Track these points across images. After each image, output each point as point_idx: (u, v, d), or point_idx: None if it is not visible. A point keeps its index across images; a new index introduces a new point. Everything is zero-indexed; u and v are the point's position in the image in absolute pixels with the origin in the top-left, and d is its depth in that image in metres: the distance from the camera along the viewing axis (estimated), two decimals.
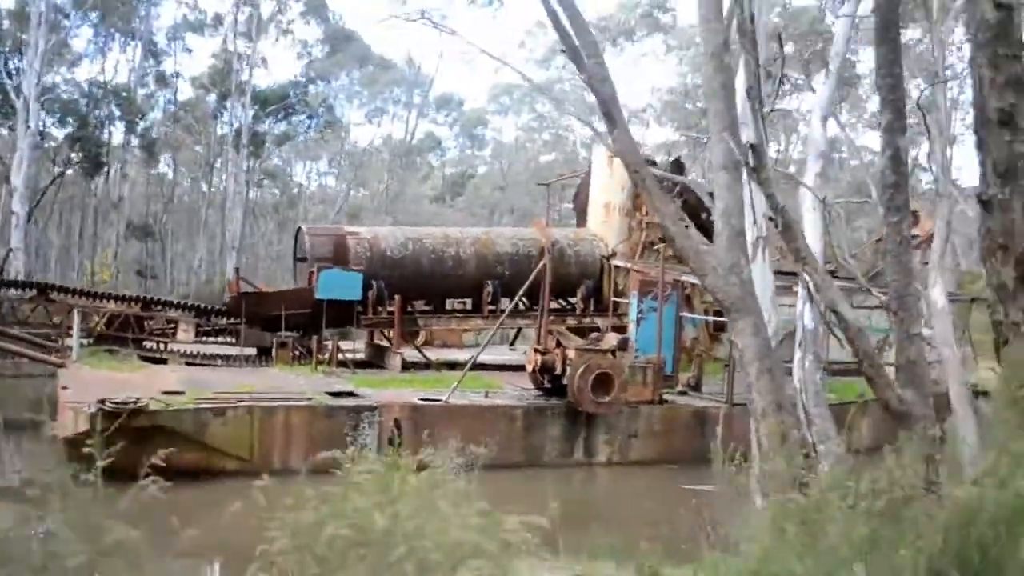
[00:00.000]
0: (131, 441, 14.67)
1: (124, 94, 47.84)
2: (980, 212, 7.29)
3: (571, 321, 27.53)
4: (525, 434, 20.70)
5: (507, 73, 79.30)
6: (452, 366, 27.35)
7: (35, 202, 46.44)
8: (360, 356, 27.82)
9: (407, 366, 25.51)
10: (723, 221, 12.09)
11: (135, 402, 17.57)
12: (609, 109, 11.34)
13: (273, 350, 24.81)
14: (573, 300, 28.42)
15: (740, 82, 15.89)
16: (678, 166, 29.06)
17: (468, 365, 21.44)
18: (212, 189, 56.69)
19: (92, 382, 20.09)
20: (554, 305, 29.03)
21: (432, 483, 4.48)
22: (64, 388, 19.57)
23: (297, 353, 24.81)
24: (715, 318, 24.76)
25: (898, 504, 5.48)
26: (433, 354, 28.14)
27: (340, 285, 24.81)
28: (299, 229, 28.19)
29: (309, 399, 19.67)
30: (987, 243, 7.20)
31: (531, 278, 22.55)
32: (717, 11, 10.46)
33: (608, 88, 11.30)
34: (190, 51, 55.24)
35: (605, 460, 21.35)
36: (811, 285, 9.25)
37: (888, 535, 5.18)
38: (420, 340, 31.43)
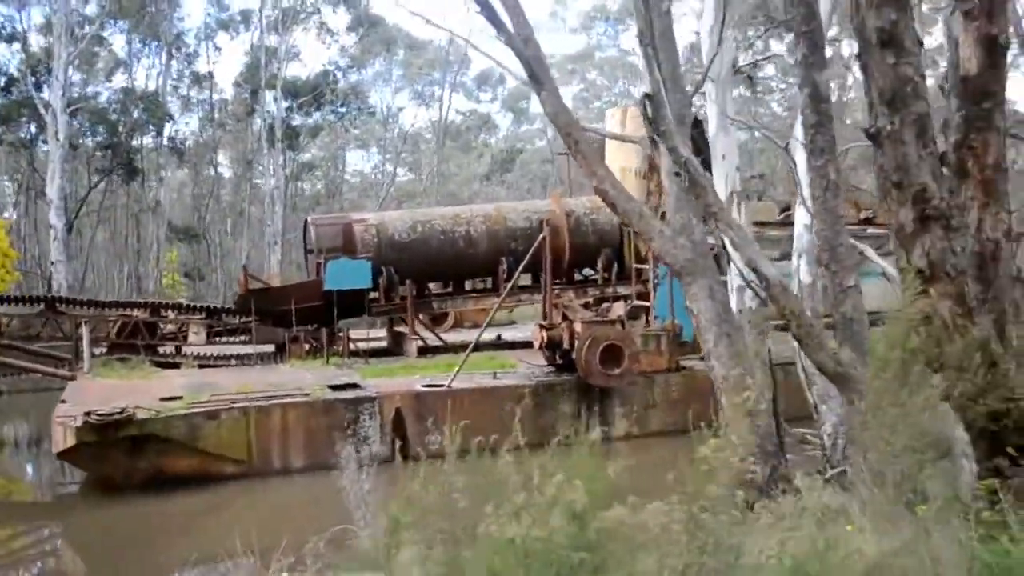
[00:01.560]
0: (125, 451, 14.34)
1: (153, 99, 47.84)
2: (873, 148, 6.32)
3: (593, 292, 26.61)
4: (535, 413, 19.89)
5: (553, 44, 78.07)
6: (476, 348, 26.69)
7: (75, 213, 46.83)
8: (382, 344, 27.30)
9: (423, 351, 24.86)
10: (670, 179, 11.17)
11: (120, 412, 17.17)
12: (533, 70, 10.48)
13: (286, 346, 24.39)
14: (595, 270, 27.38)
15: (704, 27, 14.84)
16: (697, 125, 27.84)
17: (471, 347, 20.66)
18: (252, 186, 56.57)
19: (94, 393, 19.79)
20: (577, 277, 28.16)
21: None
22: (63, 402, 19.31)
23: (310, 347, 24.34)
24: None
25: None
26: (460, 336, 27.52)
27: (348, 274, 24.23)
28: (306, 221, 27.68)
29: (306, 395, 19.10)
30: (881, 181, 6.22)
31: (530, 253, 21.62)
32: None
33: (532, 48, 10.42)
34: (219, 49, 55.00)
35: (624, 434, 20.49)
36: (727, 242, 8.28)
37: None
38: (448, 323, 30.81)
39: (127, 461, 17.61)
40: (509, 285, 22.93)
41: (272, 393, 19.16)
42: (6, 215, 50.53)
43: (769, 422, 11.01)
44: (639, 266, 26.01)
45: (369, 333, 26.78)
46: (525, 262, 21.94)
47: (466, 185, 70.99)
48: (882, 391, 5.45)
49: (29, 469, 23.28)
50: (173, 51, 51.81)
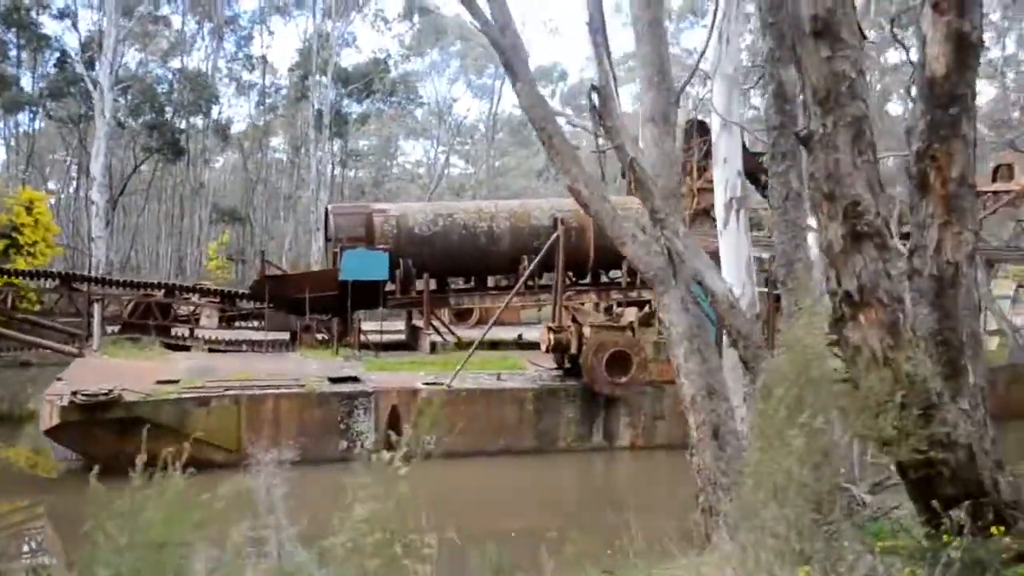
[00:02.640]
0: (114, 433, 13.92)
1: (201, 80, 47.89)
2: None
3: (617, 295, 25.83)
4: (536, 418, 19.23)
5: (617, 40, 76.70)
6: (494, 345, 26.10)
7: (120, 190, 47.05)
8: (401, 338, 26.82)
9: (436, 347, 24.32)
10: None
11: (106, 394, 16.85)
12: (510, 60, 9.77)
13: (298, 334, 24.01)
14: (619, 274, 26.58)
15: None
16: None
17: (473, 346, 20.08)
18: (300, 171, 56.47)
19: (94, 372, 19.56)
20: (604, 279, 27.41)
21: None
22: (58, 380, 19.08)
23: (321, 337, 23.91)
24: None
25: None
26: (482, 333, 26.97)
27: (365, 265, 23.72)
28: (326, 209, 27.25)
29: (301, 386, 18.64)
30: (812, 192, 5.46)
31: (541, 253, 20.96)
32: None
33: (509, 37, 9.73)
34: (272, 33, 55.00)
35: (628, 444, 19.75)
36: (673, 252, 7.56)
37: None
38: (473, 319, 30.27)
39: (115, 443, 17.24)
40: (519, 284, 22.26)
41: (266, 382, 18.74)
42: (51, 187, 50.90)
43: (740, 444, 10.22)
44: None
45: (382, 325, 26.19)
46: (539, 260, 21.30)
47: (523, 179, 70.36)
48: (767, 432, 4.74)
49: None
50: (226, 33, 51.80)
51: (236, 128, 55.26)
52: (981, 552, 5.22)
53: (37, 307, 24.90)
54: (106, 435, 17.33)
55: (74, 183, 50.17)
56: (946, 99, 5.92)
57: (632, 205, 26.96)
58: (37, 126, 51.70)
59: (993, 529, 5.31)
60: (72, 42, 45.86)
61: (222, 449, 17.77)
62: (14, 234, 34.92)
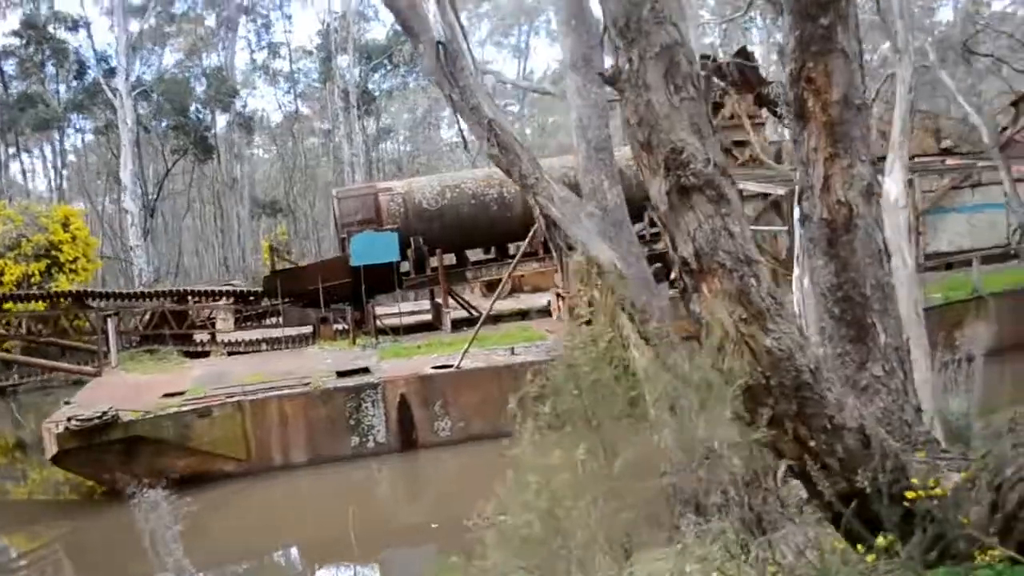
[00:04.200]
0: (119, 455, 13.38)
1: (218, 74, 47.44)
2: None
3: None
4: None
5: None
6: (524, 314, 25.29)
7: (155, 195, 46.96)
8: (427, 318, 26.04)
9: (458, 324, 23.50)
10: (578, 135, 9.40)
11: (100, 416, 16.34)
12: (406, 20, 8.79)
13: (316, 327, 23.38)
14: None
15: None
16: (744, 55, 25.48)
17: (481, 320, 19.19)
18: (334, 155, 55.80)
19: (105, 392, 19.20)
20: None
21: None
22: (66, 403, 18.70)
23: (339, 328, 23.22)
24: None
25: None
26: (516, 303, 26.23)
27: (374, 248, 22.89)
28: (332, 194, 26.47)
29: (305, 384, 17.96)
30: (631, 142, 4.44)
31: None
32: None
33: None
34: (289, 17, 54.34)
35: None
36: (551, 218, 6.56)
37: None
38: (505, 289, 29.38)
39: (122, 464, 16.83)
40: (522, 249, 21.25)
41: (269, 384, 18.11)
42: (92, 201, 51.07)
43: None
44: None
45: (400, 307, 25.35)
46: (534, 230, 20.25)
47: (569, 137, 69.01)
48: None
49: None
50: (244, 23, 51.29)
51: (273, 119, 54.80)
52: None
53: (51, 329, 24.60)
54: (111, 457, 16.89)
55: (112, 194, 50.21)
56: (815, 7, 4.84)
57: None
58: (71, 142, 51.98)
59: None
60: (91, 53, 45.75)
61: (231, 459, 17.25)
62: (54, 252, 34.86)
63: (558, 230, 7.87)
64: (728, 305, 4.24)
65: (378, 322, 22.82)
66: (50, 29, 44.90)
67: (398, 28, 54.04)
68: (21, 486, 21.05)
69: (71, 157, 53.16)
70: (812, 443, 4.31)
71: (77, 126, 46.63)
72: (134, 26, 44.66)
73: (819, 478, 4.36)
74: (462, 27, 6.95)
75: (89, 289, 27.37)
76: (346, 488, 16.66)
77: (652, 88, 4.12)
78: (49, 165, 51.66)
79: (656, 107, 4.11)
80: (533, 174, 6.34)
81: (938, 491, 4.16)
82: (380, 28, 60.78)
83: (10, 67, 46.05)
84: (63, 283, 32.58)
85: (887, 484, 4.19)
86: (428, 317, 25.95)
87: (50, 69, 45.58)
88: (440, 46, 6.47)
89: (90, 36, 45.17)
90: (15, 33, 44.86)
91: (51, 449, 16.72)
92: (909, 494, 4.15)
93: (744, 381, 4.28)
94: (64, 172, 50.73)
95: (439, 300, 25.79)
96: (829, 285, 5.03)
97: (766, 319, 4.21)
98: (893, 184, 8.98)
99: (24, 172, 53.41)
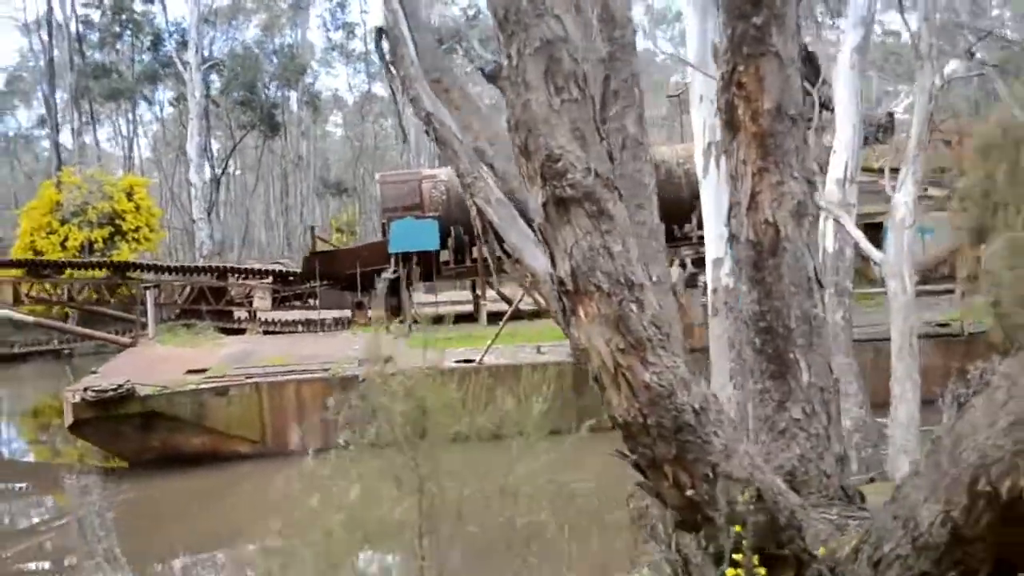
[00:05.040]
0: (136, 428, 13.40)
1: (289, 51, 47.69)
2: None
3: (688, 251, 23.96)
4: (576, 395, 17.80)
5: None
6: (537, 314, 24.78)
7: (222, 169, 47.42)
8: (468, 309, 25.71)
9: (494, 318, 23.12)
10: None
11: (116, 389, 16.33)
12: None
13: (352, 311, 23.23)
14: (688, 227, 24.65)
15: None
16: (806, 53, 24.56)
17: (507, 315, 18.80)
18: (402, 136, 55.74)
19: (133, 363, 19.29)
20: (677, 234, 25.52)
21: None
22: (93, 372, 18.79)
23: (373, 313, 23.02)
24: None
25: None
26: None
27: (414, 235, 22.60)
28: (376, 178, 26.26)
29: (325, 369, 17.76)
30: (513, 147, 3.98)
31: None
32: None
33: None
34: None
35: None
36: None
37: None
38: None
39: (138, 438, 16.87)
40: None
41: (289, 368, 17.95)
42: (154, 176, 51.78)
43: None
44: None
45: (439, 297, 25.05)
46: None
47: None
48: None
49: None
50: (317, 1, 51.47)
51: (347, 99, 54.89)
52: None
53: (95, 297, 24.84)
54: (129, 430, 16.91)
55: (181, 166, 50.89)
56: (748, 3, 4.34)
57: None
58: (145, 114, 52.70)
59: None
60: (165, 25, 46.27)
61: (246, 440, 17.14)
62: (117, 221, 35.38)
63: (494, 235, 7.43)
64: (605, 332, 3.76)
65: (414, 311, 22.53)
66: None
67: (470, 12, 53.79)
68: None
69: (147, 128, 53.97)
70: (692, 492, 3.84)
71: (149, 98, 47.06)
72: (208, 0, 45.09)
73: (709, 532, 3.91)
74: (406, 15, 6.51)
75: (132, 260, 27.58)
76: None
77: (532, 87, 3.67)
78: (121, 135, 52.59)
79: (535, 108, 3.66)
80: (471, 173, 5.92)
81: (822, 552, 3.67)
82: (456, 11, 60.56)
83: (91, 37, 46.81)
84: (125, 251, 33.09)
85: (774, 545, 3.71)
86: (468, 308, 25.63)
87: (127, 40, 46.17)
88: (380, 32, 6.07)
89: (164, 8, 45.52)
90: (95, 4, 45.59)
91: (68, 418, 16.79)
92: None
93: (620, 418, 3.82)
94: (136, 143, 51.49)
95: (479, 292, 25.49)
96: (751, 313, 4.55)
97: (646, 350, 3.74)
98: (902, 201, 8.35)
99: (97, 141, 54.47)
